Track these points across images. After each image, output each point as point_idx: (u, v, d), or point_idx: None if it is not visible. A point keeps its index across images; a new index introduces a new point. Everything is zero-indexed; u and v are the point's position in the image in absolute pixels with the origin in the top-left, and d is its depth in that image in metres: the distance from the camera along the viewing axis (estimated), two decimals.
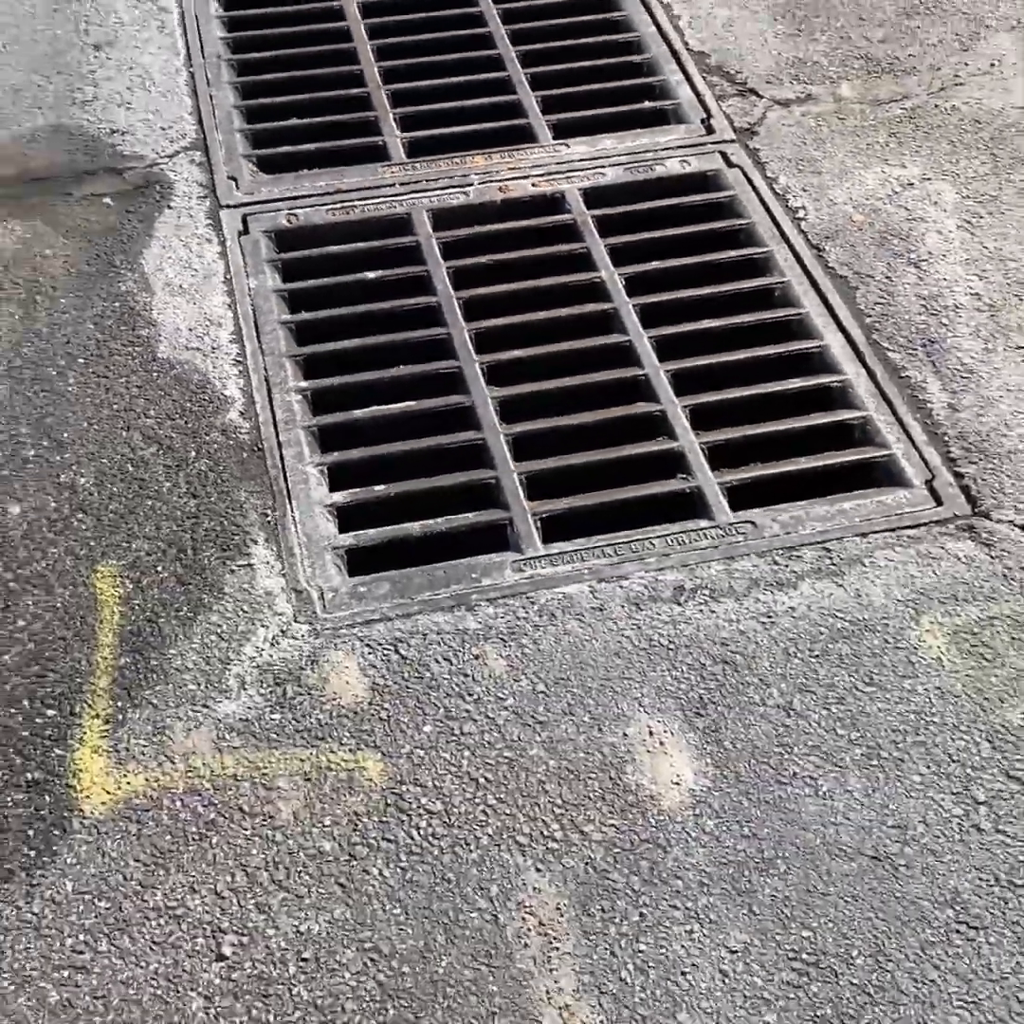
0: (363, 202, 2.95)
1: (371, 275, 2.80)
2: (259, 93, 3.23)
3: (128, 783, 1.98)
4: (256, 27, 3.40)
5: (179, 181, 3.02)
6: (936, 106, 3.19)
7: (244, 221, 2.91)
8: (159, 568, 2.26)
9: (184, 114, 3.19)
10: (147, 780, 1.98)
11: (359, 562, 2.32)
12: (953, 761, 2.01)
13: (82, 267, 2.81)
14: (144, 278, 2.78)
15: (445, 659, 2.15)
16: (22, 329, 2.68)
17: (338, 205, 2.94)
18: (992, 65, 3.29)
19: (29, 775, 1.99)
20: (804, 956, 1.80)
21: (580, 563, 2.29)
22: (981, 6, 3.48)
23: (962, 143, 3.08)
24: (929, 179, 2.99)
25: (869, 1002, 1.75)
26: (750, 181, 2.99)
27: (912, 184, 2.97)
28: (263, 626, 2.18)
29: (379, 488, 2.42)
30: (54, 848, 1.90)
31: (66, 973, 1.78)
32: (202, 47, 3.35)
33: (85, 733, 2.04)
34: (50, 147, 3.11)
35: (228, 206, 2.95)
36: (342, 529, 2.36)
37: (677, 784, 1.98)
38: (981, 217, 2.89)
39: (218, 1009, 1.75)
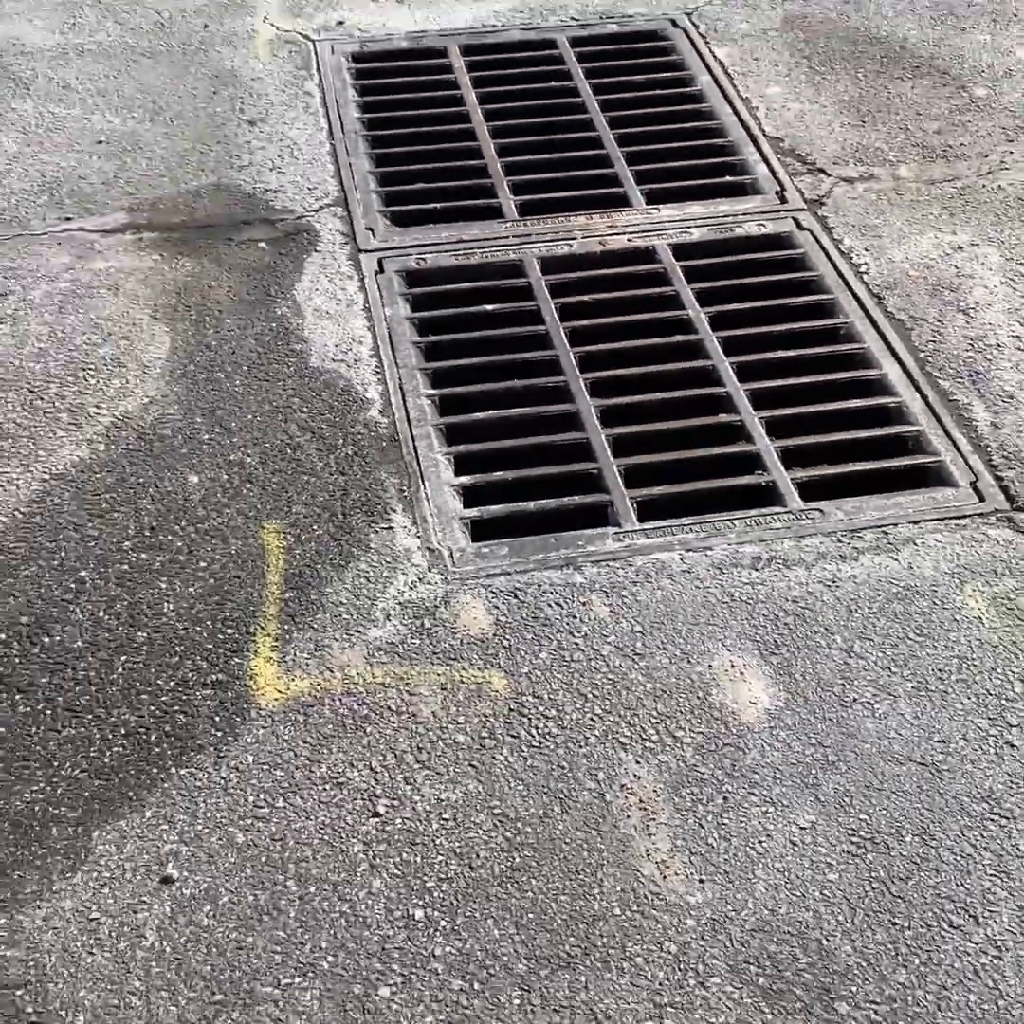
0: (481, 250, 3.51)
1: (489, 307, 3.33)
2: (391, 162, 3.82)
3: (295, 685, 2.45)
4: (388, 110, 4.01)
5: (324, 231, 3.60)
6: (984, 186, 3.72)
7: (380, 263, 3.47)
8: (315, 527, 2.76)
9: (327, 178, 3.78)
10: (311, 684, 2.46)
11: (482, 530, 2.81)
12: (990, 695, 2.44)
13: (243, 296, 3.38)
14: (296, 305, 3.34)
15: (557, 604, 2.62)
16: (195, 343, 3.23)
17: (460, 252, 3.50)
18: (1014, 137, 3.83)
19: (213, 676, 2.47)
20: (861, 833, 2.22)
21: (671, 536, 2.77)
22: None
23: (1006, 216, 3.60)
24: (977, 244, 3.51)
25: (916, 868, 2.18)
26: (818, 241, 3.52)
27: (961, 248, 3.49)
28: (403, 574, 2.67)
29: (498, 474, 2.92)
30: (236, 731, 2.37)
31: (249, 822, 2.24)
32: (342, 124, 3.97)
33: (258, 647, 2.53)
34: (213, 202, 3.71)
35: (366, 251, 3.52)
36: (466, 505, 2.86)
37: (754, 704, 2.43)
38: (1021, 275, 3.40)
39: (374, 852, 2.19)
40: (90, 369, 3.10)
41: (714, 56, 4.22)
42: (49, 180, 3.73)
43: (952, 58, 4.22)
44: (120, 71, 4.20)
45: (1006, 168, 3.74)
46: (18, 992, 1.98)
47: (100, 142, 3.89)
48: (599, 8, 4.48)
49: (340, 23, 4.44)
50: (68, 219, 3.59)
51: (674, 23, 4.38)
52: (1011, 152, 3.80)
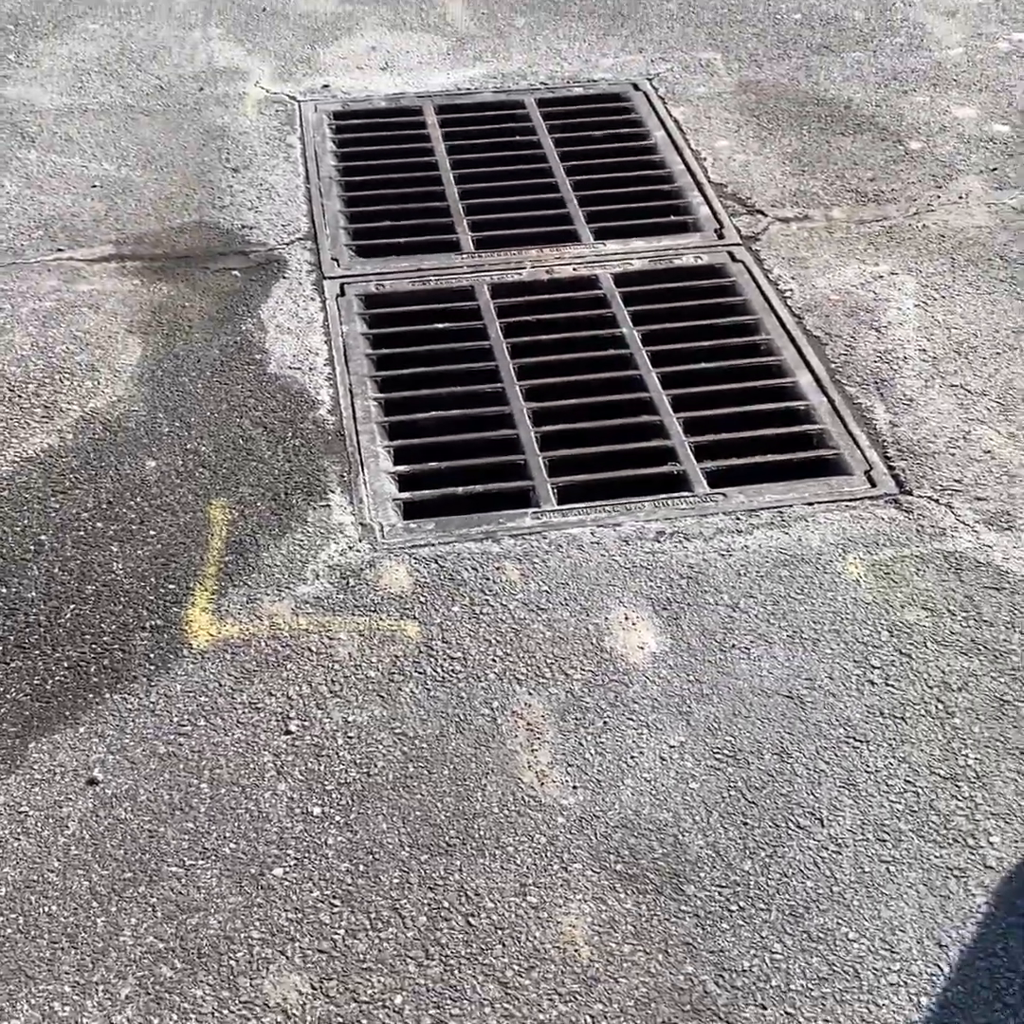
0: (437, 277, 3.93)
1: (439, 325, 3.74)
2: (360, 203, 4.27)
3: (226, 630, 2.81)
4: (362, 159, 4.48)
5: (292, 260, 4.04)
6: (910, 225, 4.12)
7: (342, 288, 3.89)
8: (258, 504, 3.14)
9: (300, 216, 4.24)
10: (240, 630, 2.81)
11: (413, 510, 3.17)
12: (858, 642, 2.76)
13: (213, 314, 3.80)
14: (260, 322, 3.76)
15: (473, 569, 2.97)
16: (164, 352, 3.65)
17: (416, 279, 3.92)
18: (960, 197, 4.24)
19: (152, 622, 2.83)
20: (725, 752, 2.53)
21: (585, 515, 3.12)
22: (956, 157, 4.46)
23: (927, 250, 4.00)
24: (896, 274, 3.90)
25: (771, 780, 2.48)
26: (749, 271, 3.92)
27: (881, 277, 3.88)
28: (334, 543, 3.03)
29: (432, 464, 3.29)
30: (168, 666, 2.73)
31: (172, 737, 2.58)
32: (319, 171, 4.44)
33: (195, 599, 2.88)
34: (193, 236, 4.16)
35: (330, 277, 3.94)
36: (401, 489, 3.23)
37: (642, 649, 2.76)
38: (934, 299, 3.78)
39: (282, 762, 2.52)
40: (66, 373, 3.51)
41: (670, 115, 4.68)
42: (45, 217, 4.19)
43: (892, 116, 4.65)
44: (119, 127, 4.70)
45: (932, 210, 4.14)
46: None
47: (95, 186, 4.36)
48: (567, 74, 4.95)
49: (325, 86, 4.94)
50: (59, 250, 4.05)
51: (635, 87, 4.85)
52: (938, 196, 4.20)
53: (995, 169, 4.30)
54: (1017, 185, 4.22)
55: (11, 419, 3.31)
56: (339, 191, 4.28)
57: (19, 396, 3.39)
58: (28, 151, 4.50)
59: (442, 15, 5.33)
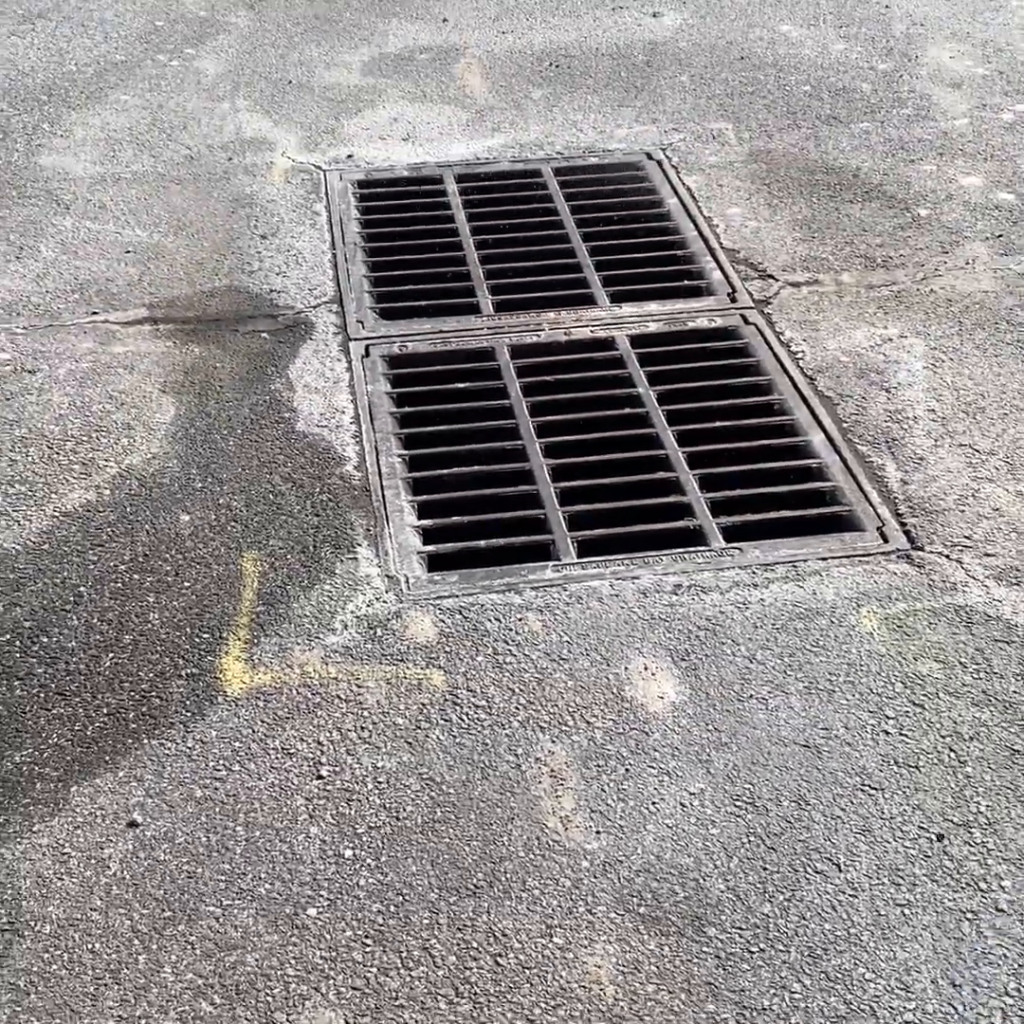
0: (458, 339, 4.06)
1: (460, 385, 3.86)
2: (384, 268, 4.41)
3: (259, 678, 2.90)
4: (385, 226, 4.62)
5: (319, 323, 4.17)
6: (918, 290, 4.25)
7: (366, 349, 4.02)
8: (288, 557, 3.24)
9: (326, 281, 4.38)
10: (272, 678, 2.90)
11: (437, 563, 3.27)
12: (873, 693, 2.84)
13: (243, 374, 3.93)
14: (289, 382, 3.88)
15: (496, 620, 3.07)
16: (196, 411, 3.77)
17: (438, 340, 4.05)
18: (966, 264, 4.37)
19: (188, 670, 2.92)
20: (744, 798, 2.62)
21: (604, 568, 3.22)
22: (963, 224, 4.59)
23: (935, 314, 4.12)
24: (905, 337, 4.02)
25: (789, 826, 2.56)
26: (762, 333, 4.05)
27: (891, 339, 4.00)
28: (361, 594, 3.13)
29: (455, 518, 3.40)
30: (204, 712, 2.82)
31: (208, 781, 2.67)
32: (343, 237, 4.58)
33: (229, 648, 2.98)
34: (223, 300, 4.30)
35: (355, 339, 4.07)
36: (425, 543, 3.33)
37: (661, 698, 2.85)
38: (943, 362, 3.89)
39: (314, 805, 2.61)
40: (102, 431, 3.63)
41: (683, 183, 4.82)
42: (81, 282, 4.33)
43: (899, 185, 4.79)
44: (151, 195, 4.86)
45: (940, 275, 4.27)
46: None
47: (128, 251, 4.51)
48: (583, 144, 5.12)
49: (349, 156, 5.11)
50: (95, 313, 4.18)
51: (649, 156, 5.00)
52: (946, 261, 4.33)
53: (1000, 236, 4.43)
54: (1022, 251, 4.34)
55: (50, 475, 3.42)
56: (364, 256, 4.42)
57: (58, 453, 3.51)
58: (63, 218, 4.65)
59: (461, 88, 5.51)
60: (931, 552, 3.14)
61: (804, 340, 3.93)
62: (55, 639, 2.92)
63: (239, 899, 2.36)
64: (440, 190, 4.80)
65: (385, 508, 3.32)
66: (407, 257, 4.41)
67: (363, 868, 2.41)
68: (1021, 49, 5.77)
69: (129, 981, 2.23)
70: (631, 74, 5.54)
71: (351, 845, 2.45)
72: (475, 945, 2.28)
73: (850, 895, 2.35)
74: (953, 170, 4.85)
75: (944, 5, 6.23)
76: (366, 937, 2.29)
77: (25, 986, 2.23)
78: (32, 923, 2.33)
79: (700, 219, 4.57)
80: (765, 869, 2.40)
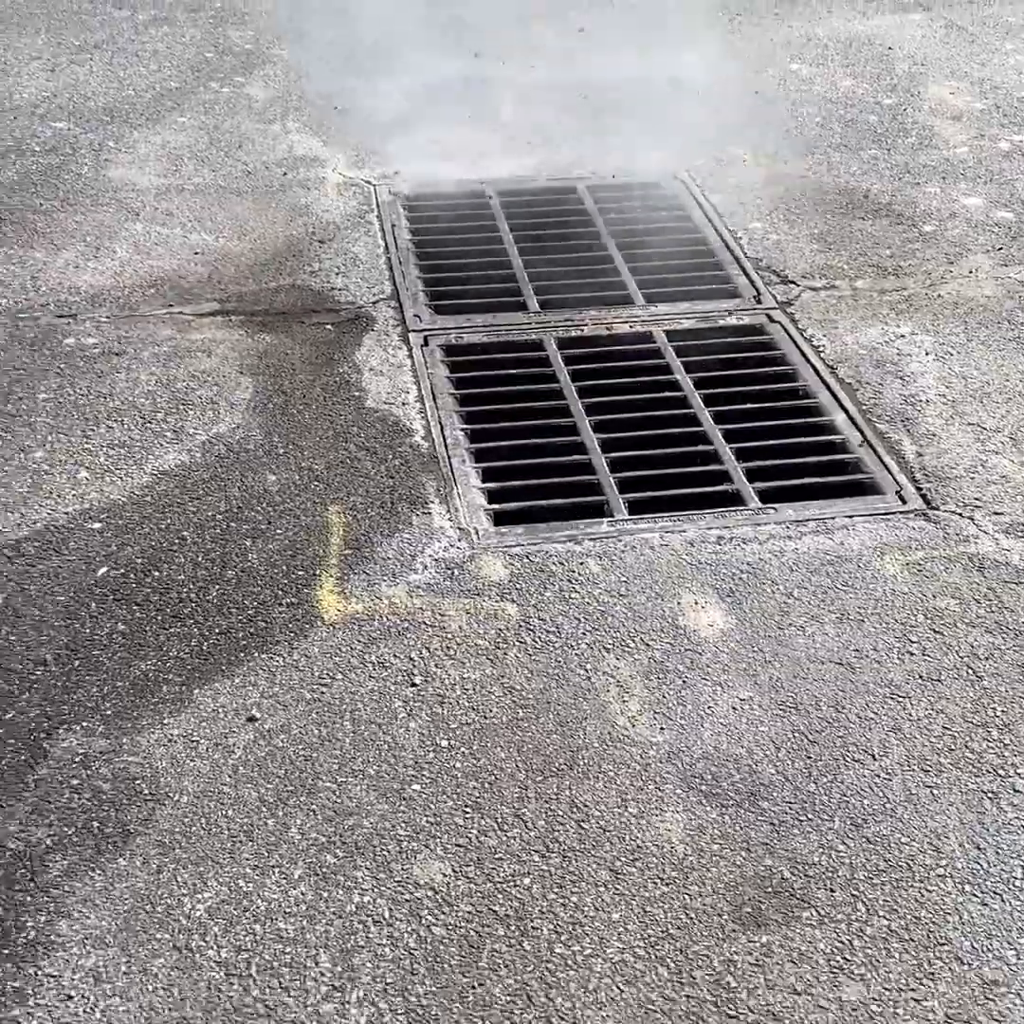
0: (508, 331, 4.50)
1: (514, 371, 4.30)
2: (435, 270, 4.85)
3: (352, 607, 3.30)
4: (434, 233, 5.05)
5: (379, 317, 4.60)
6: (926, 294, 4.71)
7: (425, 339, 4.45)
8: (369, 510, 3.65)
9: (383, 280, 4.82)
10: (364, 607, 3.31)
11: (502, 519, 3.68)
12: (898, 622, 3.26)
13: (312, 359, 4.35)
14: (355, 365, 4.31)
15: (559, 563, 3.48)
16: (273, 388, 4.19)
17: (490, 332, 4.49)
18: (970, 272, 4.83)
19: (288, 600, 3.32)
20: (788, 704, 3.02)
21: (653, 524, 3.64)
22: (966, 238, 5.06)
23: (942, 315, 4.58)
24: (916, 333, 4.47)
25: (828, 725, 2.96)
26: (785, 330, 4.49)
27: (903, 336, 4.45)
28: (437, 542, 3.54)
29: (516, 482, 3.82)
30: (305, 633, 3.22)
31: (315, 687, 3.06)
32: (396, 243, 5.03)
33: (322, 583, 3.38)
34: (288, 296, 4.74)
35: (414, 331, 4.51)
36: (490, 502, 3.75)
37: (711, 626, 3.26)
38: (951, 355, 4.34)
39: (411, 707, 3.00)
40: (189, 404, 4.05)
41: (707, 200, 5.29)
42: (155, 278, 4.77)
43: (906, 204, 5.27)
44: (213, 204, 5.31)
45: (946, 282, 4.73)
46: (137, 782, 2.78)
47: (197, 253, 4.95)
48: (613, 165, 5.59)
49: (396, 173, 5.57)
50: (170, 306, 4.61)
51: (675, 177, 5.48)
52: (951, 271, 4.80)
53: (1001, 249, 4.90)
54: (1021, 262, 4.82)
55: (146, 440, 3.83)
56: (415, 259, 4.87)
57: (150, 422, 3.92)
58: (134, 223, 5.09)
59: (495, 115, 5.98)
60: (945, 511, 3.57)
61: (824, 336, 4.38)
62: (165, 573, 3.32)
63: (352, 777, 2.74)
64: (483, 203, 5.25)
65: (452, 472, 3.74)
66: (456, 261, 4.85)
67: (457, 754, 2.80)
68: (1015, 87, 6.28)
69: (261, 839, 2.62)
70: (651, 106, 6.01)
71: (446, 737, 2.84)
72: (560, 813, 2.67)
73: (885, 778, 2.75)
74: (956, 192, 5.33)
75: (942, 48, 6.76)
76: (465, 806, 2.68)
77: (169, 842, 2.61)
78: (171, 795, 2.71)
79: (725, 232, 5.02)
80: (809, 758, 2.80)
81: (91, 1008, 2.29)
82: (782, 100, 6.15)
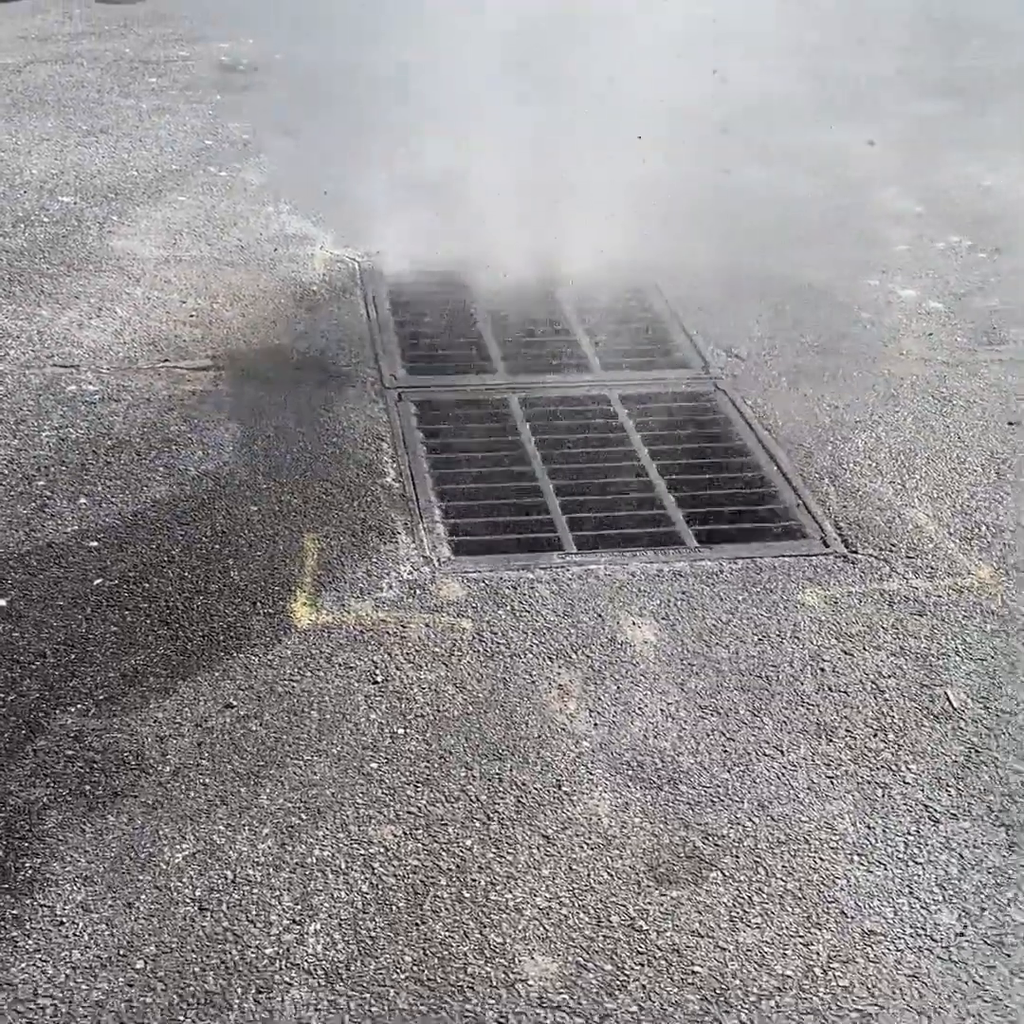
0: (475, 390, 4.96)
1: (478, 425, 4.75)
2: (410, 337, 5.29)
3: (322, 618, 3.70)
4: (410, 305, 5.54)
5: (358, 375, 5.05)
6: (860, 372, 5.17)
7: (400, 395, 4.90)
8: (341, 539, 4.07)
9: (365, 345, 5.28)
10: (333, 618, 3.70)
11: (462, 549, 4.11)
12: (813, 644, 3.66)
13: (296, 409, 4.79)
14: (335, 416, 4.75)
15: (512, 588, 3.89)
16: (258, 433, 4.61)
17: (459, 390, 4.95)
18: (902, 354, 5.31)
19: (265, 611, 3.72)
20: (710, 708, 3.39)
21: (599, 557, 4.07)
22: (899, 324, 5.56)
23: (874, 389, 5.03)
24: (849, 405, 4.92)
25: (744, 726, 3.36)
26: (728, 396, 4.96)
27: (837, 406, 4.91)
28: (403, 567, 3.95)
29: (477, 519, 4.25)
30: (279, 638, 3.61)
31: (286, 682, 3.44)
32: (377, 314, 5.51)
33: (297, 598, 3.78)
34: (276, 356, 5.19)
35: (389, 388, 4.96)
36: (452, 535, 4.17)
37: (646, 643, 3.66)
38: (878, 423, 4.81)
39: (372, 701, 3.39)
40: (180, 444, 4.47)
41: (662, 295, 5.80)
42: (152, 337, 5.22)
43: (847, 294, 5.79)
44: (208, 274, 5.79)
45: (878, 362, 5.22)
46: (125, 754, 3.14)
47: (192, 316, 5.41)
48: (589, 257, 6.10)
49: (379, 252, 6.07)
50: (166, 360, 5.06)
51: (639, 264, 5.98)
52: (884, 352, 5.29)
53: (931, 334, 5.41)
54: (948, 346, 5.32)
55: (140, 473, 4.25)
56: (394, 328, 5.34)
57: (144, 458, 4.34)
58: (135, 288, 5.57)
59: (472, 203, 6.45)
60: (863, 554, 4.00)
61: (763, 401, 4.85)
62: (155, 585, 3.72)
63: (317, 756, 3.12)
64: (458, 283, 5.74)
65: (419, 509, 4.16)
66: (430, 329, 5.32)
67: (412, 740, 3.18)
68: (953, 196, 6.87)
69: (234, 803, 2.98)
70: (621, 200, 6.52)
71: (402, 726, 3.23)
72: (501, 790, 3.05)
73: (792, 770, 3.14)
74: (893, 285, 5.86)
75: (896, 157, 7.36)
76: (417, 782, 3.06)
77: (153, 804, 2.97)
78: (155, 766, 3.08)
79: (681, 314, 5.52)
80: (725, 752, 3.19)
81: (80, 932, 2.63)
82: (740, 200, 6.68)
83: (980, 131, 7.83)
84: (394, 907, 2.68)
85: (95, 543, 3.82)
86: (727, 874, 2.79)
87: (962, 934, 2.68)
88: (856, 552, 3.96)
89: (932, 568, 3.88)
